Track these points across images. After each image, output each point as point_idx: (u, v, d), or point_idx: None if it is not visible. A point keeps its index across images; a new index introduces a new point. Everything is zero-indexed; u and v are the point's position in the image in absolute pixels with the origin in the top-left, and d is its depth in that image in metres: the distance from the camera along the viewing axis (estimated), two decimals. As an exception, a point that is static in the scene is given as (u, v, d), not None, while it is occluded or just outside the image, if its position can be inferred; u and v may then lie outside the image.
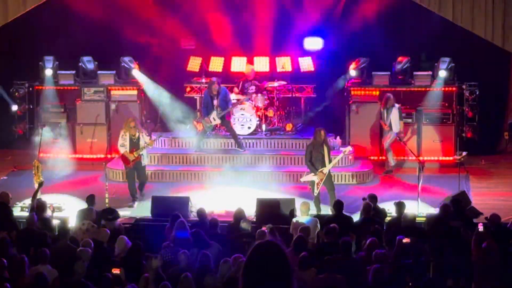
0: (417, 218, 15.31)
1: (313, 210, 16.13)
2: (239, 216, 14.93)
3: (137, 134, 17.45)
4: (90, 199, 15.46)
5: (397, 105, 19.93)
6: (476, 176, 19.84)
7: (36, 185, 16.50)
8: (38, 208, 15.01)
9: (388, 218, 15.29)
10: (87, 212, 15.21)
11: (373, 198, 15.46)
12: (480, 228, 13.15)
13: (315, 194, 16.82)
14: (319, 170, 16.75)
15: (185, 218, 14.74)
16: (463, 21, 19.02)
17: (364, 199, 15.50)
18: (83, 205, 15.81)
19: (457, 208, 14.84)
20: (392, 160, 20.05)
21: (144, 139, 17.56)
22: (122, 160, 17.63)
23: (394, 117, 19.81)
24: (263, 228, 13.93)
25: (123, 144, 17.49)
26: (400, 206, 14.92)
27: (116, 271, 11.56)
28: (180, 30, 21.91)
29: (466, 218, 14.82)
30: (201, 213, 15.09)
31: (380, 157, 20.91)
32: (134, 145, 17.37)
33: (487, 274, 12.74)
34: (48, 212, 15.45)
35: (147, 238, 14.11)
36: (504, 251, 13.00)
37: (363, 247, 13.18)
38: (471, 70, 21.23)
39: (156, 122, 22.19)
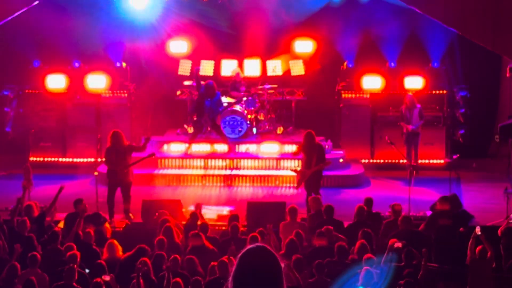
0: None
1: (303, 214, 15.99)
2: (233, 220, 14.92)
3: (122, 149, 16.84)
4: (77, 203, 15.27)
5: (418, 106, 20.05)
6: (467, 179, 19.83)
7: (27, 189, 16.38)
8: (27, 212, 14.91)
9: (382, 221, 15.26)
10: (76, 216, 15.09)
11: (369, 201, 15.42)
12: (478, 231, 13.09)
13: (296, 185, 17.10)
14: (301, 170, 16.73)
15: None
16: (454, 23, 18.98)
17: (367, 200, 15.46)
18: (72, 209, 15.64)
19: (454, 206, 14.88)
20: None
21: (130, 151, 16.69)
22: (107, 175, 16.91)
23: (416, 117, 19.91)
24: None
25: (109, 159, 16.82)
26: (396, 209, 14.90)
27: (106, 278, 11.48)
28: (170, 33, 21.84)
29: (459, 219, 14.84)
30: (193, 216, 15.08)
31: (371, 160, 20.91)
32: (121, 158, 16.71)
33: (481, 278, 12.71)
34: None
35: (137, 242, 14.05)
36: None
37: (354, 250, 13.14)
38: (461, 73, 21.23)
39: (146, 127, 21.87)
